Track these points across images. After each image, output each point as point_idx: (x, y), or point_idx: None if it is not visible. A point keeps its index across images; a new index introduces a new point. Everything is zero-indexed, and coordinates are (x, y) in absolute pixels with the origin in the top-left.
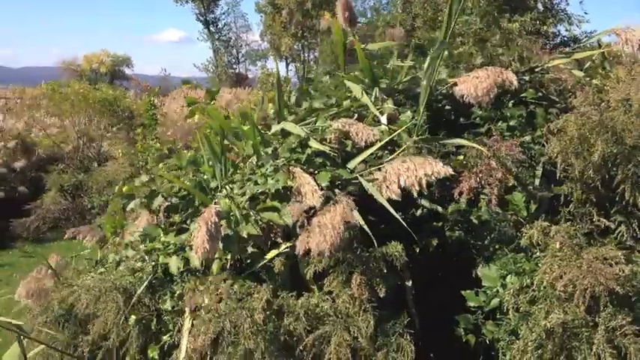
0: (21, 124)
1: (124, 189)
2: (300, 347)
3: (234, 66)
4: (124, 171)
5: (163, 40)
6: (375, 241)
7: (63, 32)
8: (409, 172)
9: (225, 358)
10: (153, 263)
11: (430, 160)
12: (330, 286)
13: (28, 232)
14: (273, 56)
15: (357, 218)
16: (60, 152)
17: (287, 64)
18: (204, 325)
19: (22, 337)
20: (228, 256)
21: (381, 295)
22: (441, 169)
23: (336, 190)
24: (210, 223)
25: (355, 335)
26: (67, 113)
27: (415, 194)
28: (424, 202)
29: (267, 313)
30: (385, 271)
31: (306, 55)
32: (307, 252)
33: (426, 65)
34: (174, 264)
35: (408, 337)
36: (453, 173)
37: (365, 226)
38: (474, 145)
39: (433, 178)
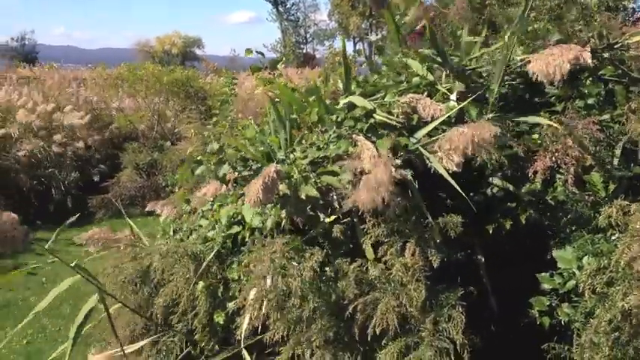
0: (95, 99)
1: (193, 154)
2: (350, 311)
3: (302, 46)
4: (196, 150)
5: (233, 21)
6: (427, 212)
7: (137, 13)
8: (462, 135)
9: (278, 316)
10: (223, 233)
11: (483, 124)
12: (385, 255)
13: (106, 209)
14: (341, 35)
15: (406, 175)
16: (135, 131)
17: (355, 44)
18: (262, 280)
19: (103, 293)
20: (283, 215)
21: (435, 265)
22: (491, 128)
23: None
24: (267, 178)
25: (405, 303)
26: (141, 93)
27: (470, 155)
28: (496, 181)
29: (322, 277)
30: (438, 241)
31: (374, 33)
32: (362, 219)
33: (505, 40)
34: (225, 214)
35: (460, 308)
36: (500, 131)
37: (415, 190)
38: (549, 122)
39: (482, 139)
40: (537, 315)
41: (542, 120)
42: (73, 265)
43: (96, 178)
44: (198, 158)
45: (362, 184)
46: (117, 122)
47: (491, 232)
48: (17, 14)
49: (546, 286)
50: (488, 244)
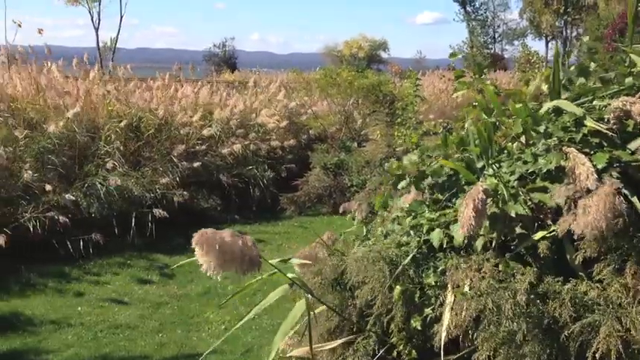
0: (292, 103)
1: (393, 167)
2: (566, 334)
3: (490, 46)
4: (381, 152)
5: (418, 23)
6: None
7: (326, 19)
8: None
9: (487, 336)
10: (417, 238)
11: None
12: (599, 274)
13: (296, 207)
14: (533, 34)
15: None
16: (324, 132)
17: (547, 43)
18: (466, 302)
19: (308, 295)
20: (493, 235)
21: None
22: None
23: (613, 174)
24: (477, 200)
25: (628, 327)
26: (334, 97)
27: None
28: None
29: (531, 296)
30: None
31: (569, 32)
32: (572, 236)
33: None
34: (437, 237)
35: None
36: None
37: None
38: None
39: None
40: None
41: None
42: (290, 276)
43: (284, 176)
44: (395, 167)
45: (579, 211)
46: (310, 125)
47: None
48: (221, 22)
49: None
50: None
